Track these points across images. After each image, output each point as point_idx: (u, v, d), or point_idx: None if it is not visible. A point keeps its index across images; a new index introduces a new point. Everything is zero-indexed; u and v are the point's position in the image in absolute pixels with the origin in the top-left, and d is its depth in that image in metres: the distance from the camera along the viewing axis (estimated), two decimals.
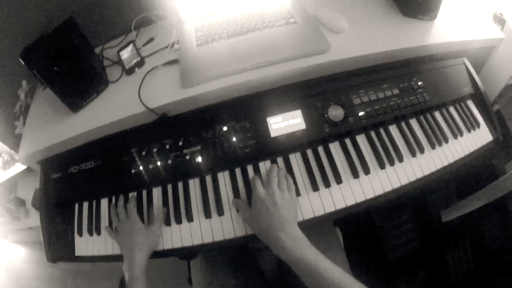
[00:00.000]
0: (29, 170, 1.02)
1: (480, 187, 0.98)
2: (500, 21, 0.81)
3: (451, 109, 0.75)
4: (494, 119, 0.74)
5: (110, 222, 0.68)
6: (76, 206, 0.74)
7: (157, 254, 0.63)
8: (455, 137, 0.71)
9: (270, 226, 0.52)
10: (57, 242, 0.74)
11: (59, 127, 0.75)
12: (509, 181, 0.90)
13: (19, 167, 1.02)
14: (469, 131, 0.72)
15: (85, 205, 0.73)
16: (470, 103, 0.77)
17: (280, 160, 0.64)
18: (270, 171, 0.60)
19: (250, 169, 0.64)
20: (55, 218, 0.75)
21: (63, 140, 0.73)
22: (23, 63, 0.70)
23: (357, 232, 1.01)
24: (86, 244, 0.71)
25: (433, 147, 0.68)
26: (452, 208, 1.03)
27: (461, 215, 0.99)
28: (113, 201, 0.70)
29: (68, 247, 0.72)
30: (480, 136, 0.73)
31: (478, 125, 0.74)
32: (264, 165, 0.64)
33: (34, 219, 1.01)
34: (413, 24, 0.76)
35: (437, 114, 0.73)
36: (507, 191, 0.91)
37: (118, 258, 0.66)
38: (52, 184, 0.76)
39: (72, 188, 0.74)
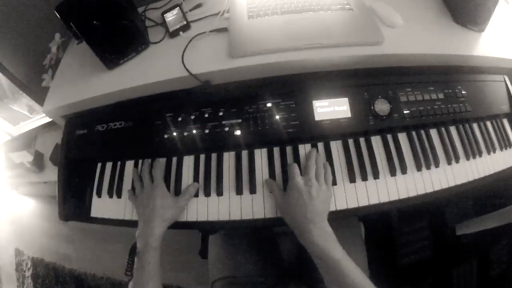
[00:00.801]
0: (51, 124, 0.98)
1: (496, 208, 0.95)
2: None
3: (488, 124, 0.72)
4: None
5: (133, 187, 0.63)
6: (99, 165, 0.70)
7: (178, 225, 0.59)
8: (489, 152, 0.68)
9: (301, 216, 0.50)
10: (72, 200, 0.71)
11: (92, 83, 0.71)
12: None
13: (40, 120, 0.98)
14: (501, 149, 0.70)
15: (109, 165, 0.69)
16: (506, 122, 0.74)
17: (320, 145, 0.61)
18: (309, 157, 0.57)
19: (289, 150, 0.60)
20: (73, 175, 0.72)
21: (95, 96, 0.69)
22: (58, 16, 0.66)
23: (376, 231, 0.98)
24: (103, 206, 0.67)
25: (467, 158, 0.66)
26: (468, 223, 1.01)
27: (474, 232, 0.96)
28: (139, 165, 0.65)
29: (83, 206, 0.68)
30: (510, 157, 0.70)
31: (510, 145, 0.71)
32: (304, 148, 0.60)
33: (50, 174, 0.97)
34: (462, 33, 0.73)
35: (475, 126, 0.71)
36: None
37: (134, 224, 0.62)
38: (76, 140, 0.73)
39: (97, 146, 0.70)
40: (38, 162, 0.96)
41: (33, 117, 0.99)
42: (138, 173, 0.63)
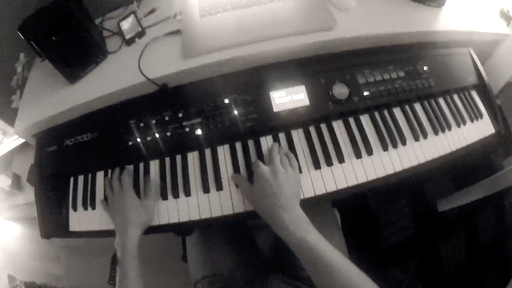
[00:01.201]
0: (25, 145, 0.98)
1: (477, 180, 0.96)
2: (506, 17, 0.79)
3: (455, 97, 0.72)
4: (497, 112, 0.72)
5: (106, 197, 0.64)
6: (71, 180, 0.70)
7: (152, 230, 0.59)
8: (458, 125, 0.68)
9: (271, 204, 0.49)
10: (51, 217, 0.71)
11: (57, 98, 0.71)
12: (506, 177, 0.88)
13: (14, 142, 0.98)
14: (472, 121, 0.70)
15: (80, 178, 0.69)
16: (474, 94, 0.74)
17: (282, 136, 0.61)
18: (272, 149, 0.57)
19: (251, 144, 0.60)
20: (49, 192, 0.72)
21: (60, 111, 0.69)
22: (21, 36, 0.66)
23: (354, 215, 0.98)
24: (80, 219, 0.67)
25: (436, 133, 0.66)
26: (449, 199, 1.01)
27: (457, 206, 0.97)
28: (109, 174, 0.65)
29: (62, 222, 0.69)
30: (483, 128, 0.70)
31: (481, 116, 0.71)
32: (266, 140, 0.60)
33: (29, 195, 0.97)
34: (421, 9, 0.72)
35: (441, 101, 0.70)
36: (503, 187, 0.89)
37: (113, 233, 0.62)
38: (47, 157, 0.72)
39: (68, 161, 0.70)
40: (17, 185, 0.96)
41: (6, 140, 0.99)
42: (109, 182, 0.63)
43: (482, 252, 1.02)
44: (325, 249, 0.44)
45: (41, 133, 0.76)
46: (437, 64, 0.70)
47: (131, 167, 0.64)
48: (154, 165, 0.62)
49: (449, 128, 0.67)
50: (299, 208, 0.50)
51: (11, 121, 0.96)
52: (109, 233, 0.63)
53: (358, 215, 1.02)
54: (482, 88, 0.73)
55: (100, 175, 0.67)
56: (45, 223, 0.70)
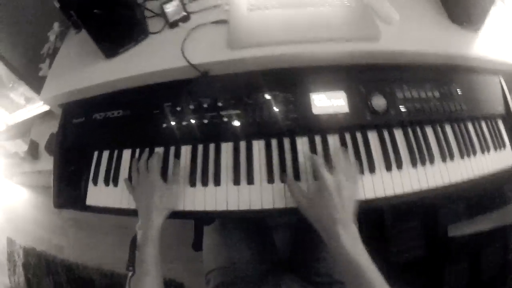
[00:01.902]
0: (47, 114, 0.95)
1: (488, 210, 0.95)
2: None
3: (483, 123, 0.71)
4: None
5: (130, 177, 0.62)
6: (96, 153, 0.68)
7: (175, 215, 0.57)
8: (483, 152, 0.67)
9: (331, 218, 0.47)
10: (67, 188, 0.69)
11: (90, 71, 0.70)
12: None
13: (37, 110, 0.96)
14: (495, 149, 0.69)
15: (106, 154, 0.68)
16: (500, 123, 0.73)
17: (318, 139, 0.60)
18: (338, 156, 0.53)
19: (286, 142, 0.59)
20: (69, 163, 0.70)
21: (93, 84, 0.68)
22: (58, 4, 0.64)
23: (368, 227, 0.97)
24: (99, 194, 0.65)
25: (462, 156, 0.65)
26: (460, 225, 1.00)
27: (466, 234, 0.96)
28: (137, 154, 0.64)
29: (79, 195, 0.67)
30: (504, 158, 0.70)
31: (504, 146, 0.71)
32: (301, 141, 0.59)
33: (44, 163, 0.94)
34: (458, 31, 0.71)
35: (469, 125, 0.70)
36: None
37: (131, 213, 0.60)
38: (73, 128, 0.71)
39: (94, 135, 0.68)
40: (33, 151, 0.93)
41: (29, 106, 0.97)
42: (137, 163, 0.61)
43: (483, 284, 1.01)
44: (373, 273, 0.44)
45: (68, 104, 0.74)
46: (469, 88, 0.69)
47: (161, 151, 0.62)
48: (185, 150, 0.61)
49: (474, 153, 0.66)
50: (354, 225, 0.48)
51: (36, 88, 0.94)
52: (127, 212, 0.61)
53: (372, 229, 1.01)
54: (509, 119, 0.73)
55: (126, 153, 0.65)
56: (60, 193, 0.68)
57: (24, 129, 1.02)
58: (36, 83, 0.94)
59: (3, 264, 1.42)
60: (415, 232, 1.04)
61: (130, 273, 0.52)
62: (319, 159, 0.52)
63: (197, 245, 0.73)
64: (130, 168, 0.63)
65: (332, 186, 0.48)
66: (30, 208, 1.40)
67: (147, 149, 0.62)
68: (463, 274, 0.99)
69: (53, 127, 0.77)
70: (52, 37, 0.88)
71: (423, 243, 1.03)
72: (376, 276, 0.44)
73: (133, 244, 0.53)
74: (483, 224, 0.94)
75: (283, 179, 0.55)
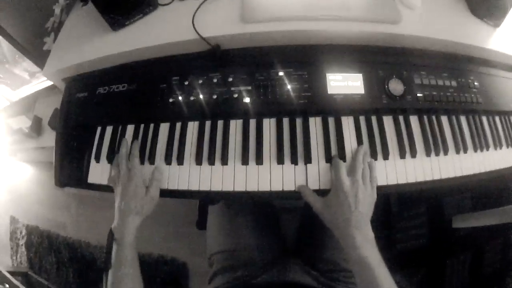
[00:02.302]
0: (50, 89, 0.92)
1: (494, 205, 0.93)
2: None
3: (497, 119, 0.69)
4: None
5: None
6: (99, 129, 0.65)
7: (180, 194, 0.54)
8: (495, 147, 0.65)
9: (346, 220, 0.47)
10: (69, 166, 0.65)
11: (95, 44, 0.66)
12: None
13: (40, 84, 0.92)
14: (507, 146, 0.67)
15: (109, 129, 0.64)
16: None
17: (331, 120, 0.56)
18: (357, 157, 0.52)
19: (298, 122, 0.56)
20: (72, 139, 0.67)
21: (98, 57, 0.64)
22: None
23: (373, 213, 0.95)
24: (101, 172, 0.62)
25: (475, 150, 0.63)
26: (464, 217, 0.98)
27: (470, 227, 0.94)
28: (141, 130, 0.60)
29: (80, 172, 0.63)
30: None
31: None
32: (314, 121, 0.56)
33: (48, 139, 0.91)
34: (478, 25, 0.69)
35: (484, 119, 0.67)
36: None
37: None
38: (76, 103, 0.67)
39: (98, 109, 0.65)
40: (36, 127, 0.90)
41: (33, 82, 0.93)
42: (117, 158, 0.56)
43: (483, 278, 0.99)
44: (383, 274, 0.44)
45: (72, 78, 0.71)
46: (487, 82, 0.67)
47: (138, 141, 0.59)
48: (192, 126, 0.57)
49: (488, 148, 0.64)
50: (370, 227, 0.48)
51: (40, 63, 0.90)
52: None
53: (377, 215, 0.99)
54: None
55: (130, 128, 0.62)
56: (61, 171, 0.65)
57: (28, 105, 0.99)
58: (39, 57, 0.90)
59: (6, 244, 1.40)
60: (420, 220, 1.02)
61: (106, 273, 0.48)
62: (341, 162, 0.52)
63: (201, 224, 0.70)
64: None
65: (348, 188, 0.48)
66: (34, 185, 1.38)
67: (127, 142, 0.58)
68: (464, 267, 0.97)
69: (57, 102, 0.74)
70: (57, 10, 0.84)
71: (427, 232, 1.01)
72: (385, 277, 0.43)
73: (110, 237, 0.50)
74: (488, 219, 0.93)
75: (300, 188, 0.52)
